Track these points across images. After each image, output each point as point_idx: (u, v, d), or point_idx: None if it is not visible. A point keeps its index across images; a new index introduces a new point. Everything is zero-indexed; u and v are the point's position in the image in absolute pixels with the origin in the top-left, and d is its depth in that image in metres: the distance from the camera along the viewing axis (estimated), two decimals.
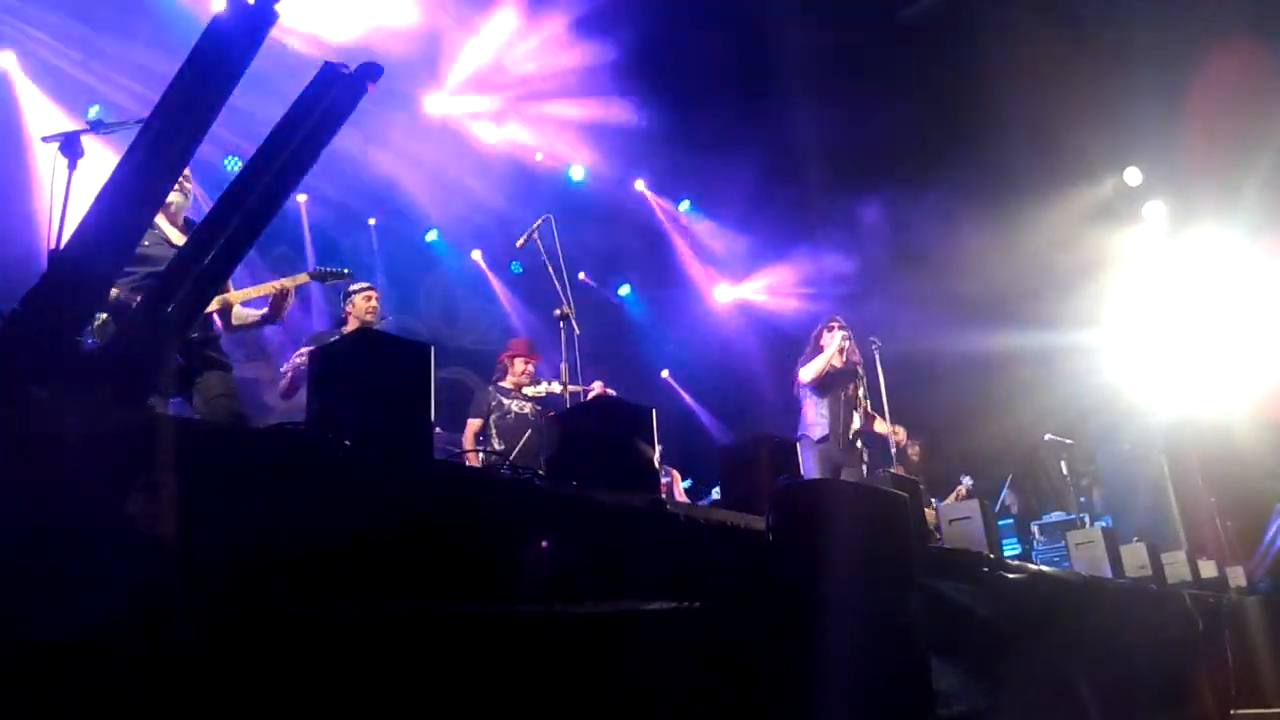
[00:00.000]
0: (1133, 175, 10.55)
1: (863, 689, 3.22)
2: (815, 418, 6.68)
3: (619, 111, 9.39)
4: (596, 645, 2.80)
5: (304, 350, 5.76)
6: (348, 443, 2.50)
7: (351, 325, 5.99)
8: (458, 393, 8.71)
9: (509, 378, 6.68)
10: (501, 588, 2.65)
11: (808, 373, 6.76)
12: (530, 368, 6.65)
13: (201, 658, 1.99)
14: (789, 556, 3.36)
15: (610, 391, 6.57)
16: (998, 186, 9.57)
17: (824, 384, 6.74)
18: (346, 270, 5.65)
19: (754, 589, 3.33)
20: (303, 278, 5.13)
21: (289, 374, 5.78)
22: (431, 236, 10.15)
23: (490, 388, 6.67)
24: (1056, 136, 9.25)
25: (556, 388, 6.26)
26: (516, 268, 10.37)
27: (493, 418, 6.48)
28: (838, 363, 6.77)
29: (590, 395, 6.43)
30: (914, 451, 8.46)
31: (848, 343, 6.79)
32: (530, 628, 2.67)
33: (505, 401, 6.51)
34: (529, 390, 6.55)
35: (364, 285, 6.16)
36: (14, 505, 1.84)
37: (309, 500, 2.35)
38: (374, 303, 6.07)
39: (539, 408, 6.39)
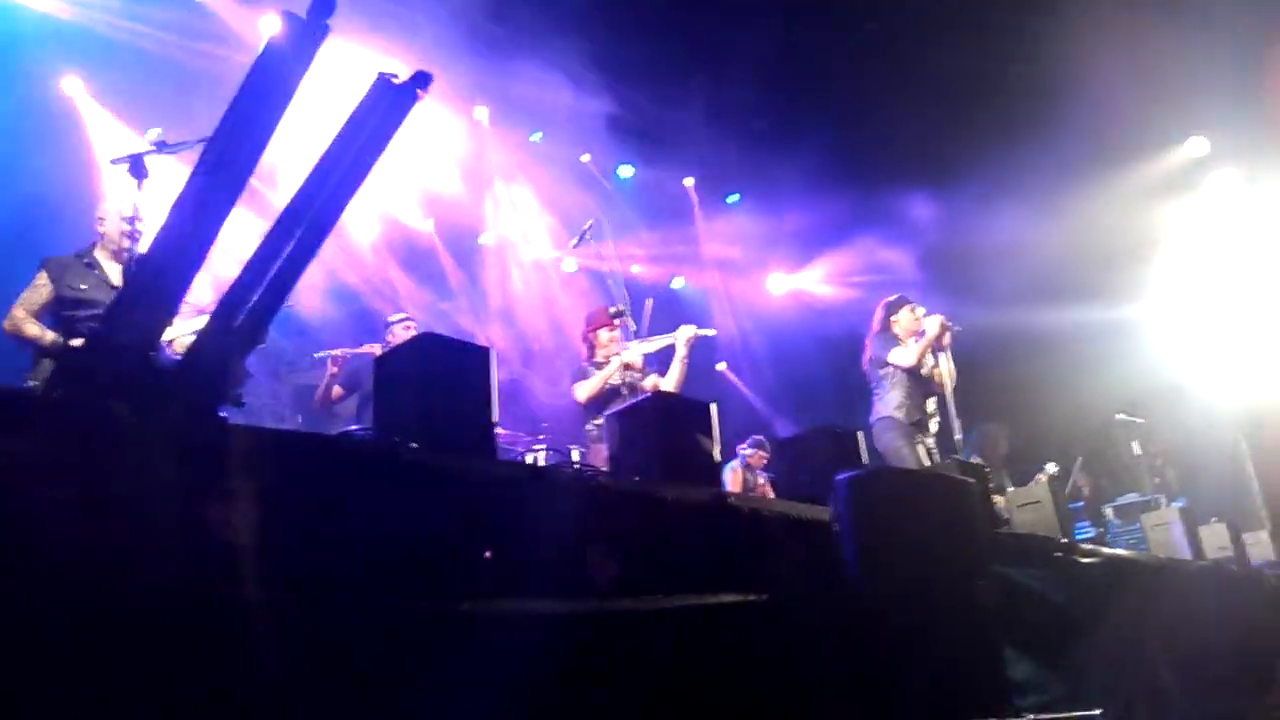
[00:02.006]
0: (1198, 145, 10.21)
1: (935, 679, 3.18)
2: (903, 400, 6.51)
3: (667, 108, 9.39)
4: (664, 640, 2.81)
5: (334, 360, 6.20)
6: (414, 445, 2.54)
7: None
8: (516, 393, 8.78)
9: (599, 352, 6.28)
10: (568, 585, 2.68)
11: (908, 356, 6.56)
12: (616, 334, 6.24)
13: (277, 654, 2.04)
14: (855, 547, 3.33)
15: (706, 331, 6.25)
16: (1058, 160, 9.30)
17: (918, 368, 6.61)
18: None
19: (820, 580, 3.31)
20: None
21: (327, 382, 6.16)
22: (486, 239, 10.24)
23: (585, 365, 6.28)
24: (1118, 107, 8.96)
25: (650, 346, 6.04)
26: (570, 266, 10.40)
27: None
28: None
29: (683, 342, 6.11)
30: (998, 441, 8.24)
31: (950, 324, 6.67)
32: (597, 624, 2.69)
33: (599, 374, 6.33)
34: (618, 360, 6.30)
35: (402, 315, 6.56)
36: (100, 515, 1.91)
37: (378, 502, 2.40)
38: (413, 331, 6.31)
39: (637, 373, 6.15)
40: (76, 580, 1.83)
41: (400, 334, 6.30)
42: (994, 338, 8.87)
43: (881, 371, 6.68)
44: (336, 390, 6.12)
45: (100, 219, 4.82)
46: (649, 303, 6.06)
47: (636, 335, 6.04)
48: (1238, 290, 10.01)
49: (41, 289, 4.61)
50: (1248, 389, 9.36)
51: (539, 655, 2.50)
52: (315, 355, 6.22)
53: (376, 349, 6.14)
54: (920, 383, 6.59)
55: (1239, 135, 9.74)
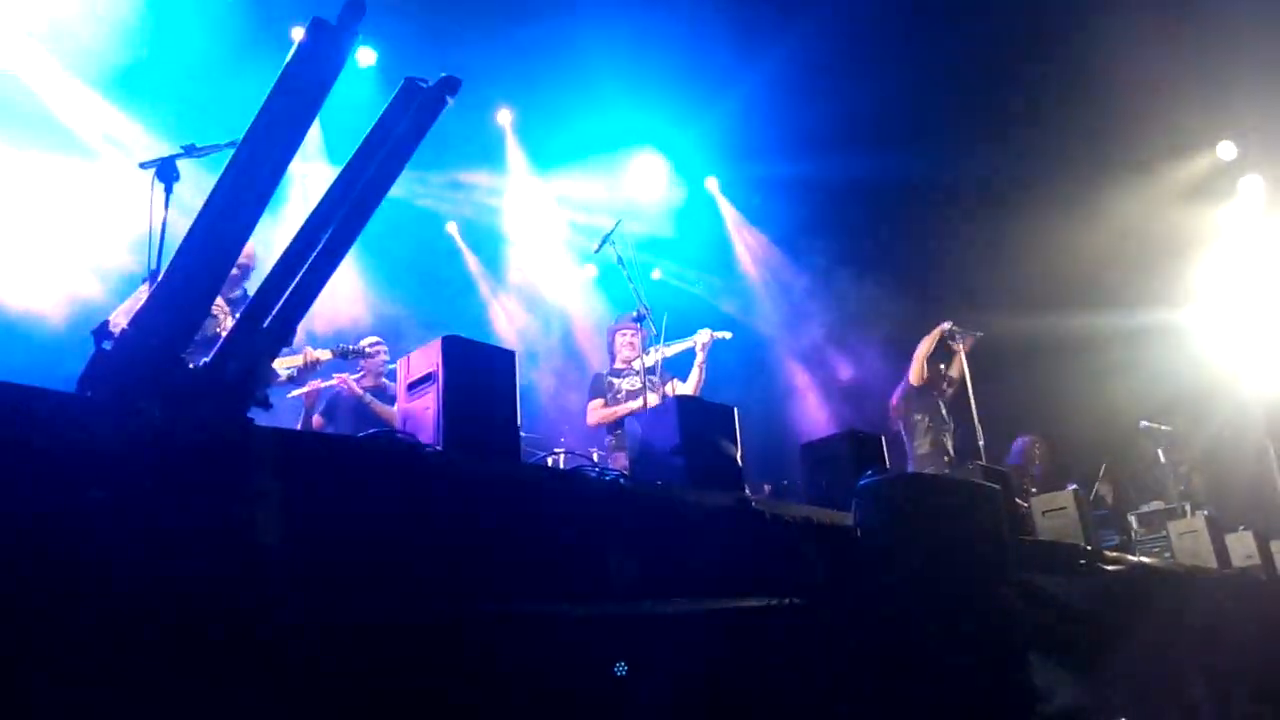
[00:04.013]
0: (1227, 150, 10.09)
1: (959, 684, 3.17)
2: (930, 449, 6.64)
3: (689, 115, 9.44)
4: (687, 643, 2.81)
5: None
6: (439, 448, 2.56)
7: (368, 380, 6.42)
8: (536, 398, 8.80)
9: (617, 359, 6.45)
10: (590, 587, 2.68)
11: (912, 373, 6.76)
12: (629, 339, 6.35)
13: (298, 655, 2.06)
14: (878, 552, 3.32)
15: (722, 334, 6.32)
16: (1085, 164, 9.25)
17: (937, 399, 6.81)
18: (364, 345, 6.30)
19: (843, 584, 3.30)
20: (326, 354, 5.83)
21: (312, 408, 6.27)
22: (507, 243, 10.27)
23: (605, 375, 6.42)
24: (1146, 112, 8.88)
25: (668, 351, 6.09)
26: (591, 270, 10.39)
27: (607, 397, 6.33)
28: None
29: (700, 346, 6.21)
30: (1039, 453, 8.15)
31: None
32: (620, 627, 2.69)
33: (616, 382, 6.30)
34: (638, 364, 6.33)
35: (374, 339, 6.65)
36: (129, 513, 1.94)
37: (401, 504, 2.42)
38: (383, 354, 6.50)
39: (653, 379, 6.20)
40: (105, 578, 1.86)
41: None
42: (1018, 344, 8.80)
43: (914, 419, 6.80)
44: (317, 420, 6.36)
45: None
46: (664, 317, 6.09)
47: (655, 340, 6.05)
48: (1267, 296, 9.90)
49: (141, 299, 4.75)
50: (1275, 396, 9.25)
51: (560, 657, 2.50)
52: (289, 396, 6.27)
53: (349, 378, 6.33)
54: (942, 415, 6.69)
55: (1268, 141, 9.63)
